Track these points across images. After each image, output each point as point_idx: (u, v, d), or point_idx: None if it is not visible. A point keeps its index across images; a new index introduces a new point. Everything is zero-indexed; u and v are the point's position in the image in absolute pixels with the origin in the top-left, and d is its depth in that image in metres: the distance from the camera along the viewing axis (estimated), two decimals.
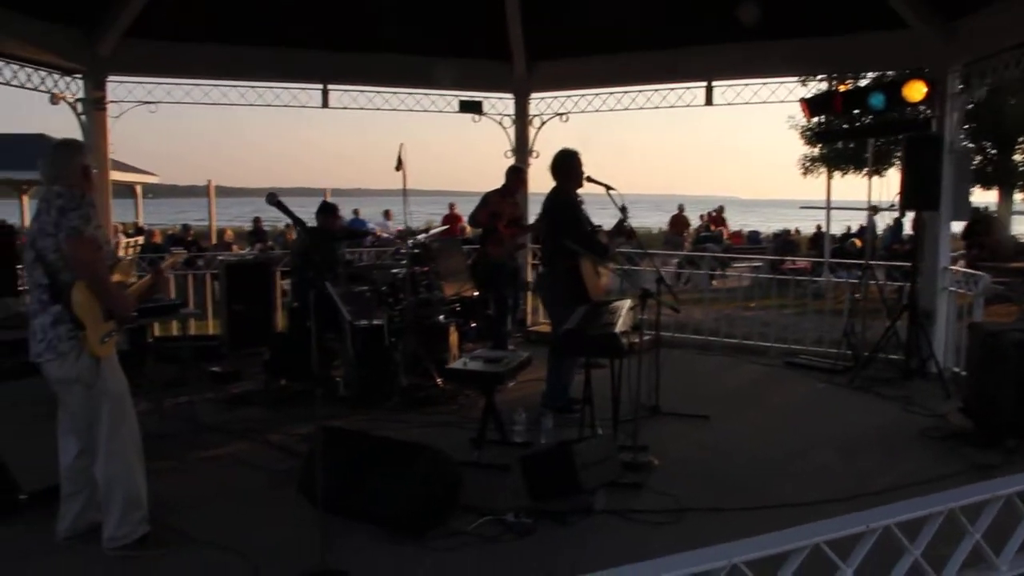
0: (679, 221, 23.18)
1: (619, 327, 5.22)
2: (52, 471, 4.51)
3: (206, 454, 5.88)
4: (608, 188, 6.64)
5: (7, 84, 8.25)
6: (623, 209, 6.85)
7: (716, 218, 23.55)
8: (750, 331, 9.90)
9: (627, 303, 6.08)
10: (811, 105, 8.54)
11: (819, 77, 14.87)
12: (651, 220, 42.90)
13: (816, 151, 21.17)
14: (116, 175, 21.89)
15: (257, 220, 19.97)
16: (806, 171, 22.20)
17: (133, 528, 4.21)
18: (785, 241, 20.84)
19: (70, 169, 4.18)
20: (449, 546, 4.28)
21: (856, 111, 9.00)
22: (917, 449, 6.09)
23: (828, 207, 17.11)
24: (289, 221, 4.17)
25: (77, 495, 4.35)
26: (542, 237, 7.10)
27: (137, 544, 4.21)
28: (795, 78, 9.40)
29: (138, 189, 24.16)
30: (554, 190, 6.83)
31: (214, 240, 19.96)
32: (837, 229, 21.81)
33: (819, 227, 20.87)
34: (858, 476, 5.40)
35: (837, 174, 19.53)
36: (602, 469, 4.82)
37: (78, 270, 3.99)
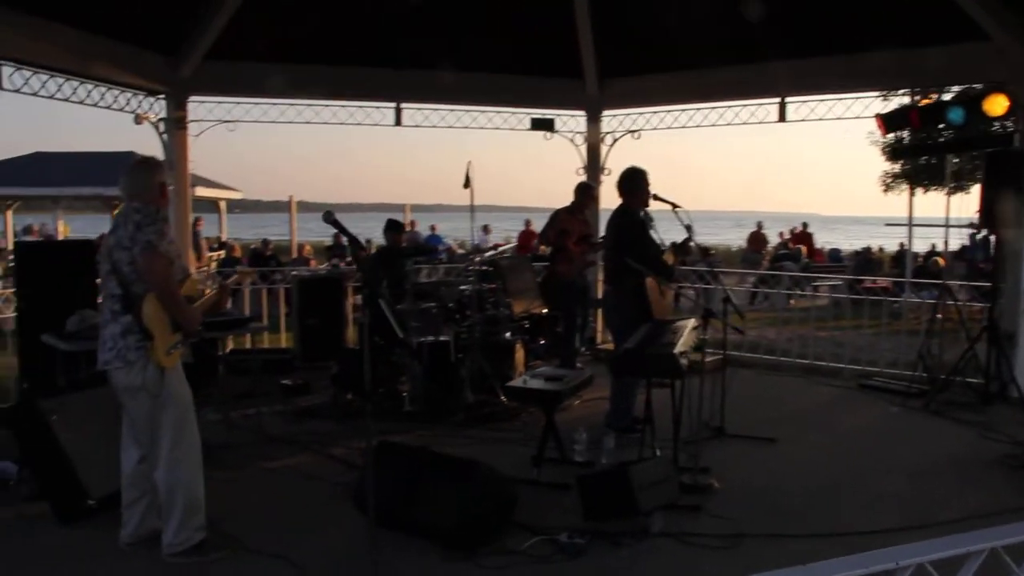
0: (757, 238, 22.80)
1: (679, 347, 5.15)
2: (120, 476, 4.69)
3: (268, 465, 6.00)
4: (674, 206, 6.58)
5: (95, 105, 8.59)
6: (688, 228, 6.79)
7: (800, 235, 22.88)
8: (823, 352, 9.67)
9: (690, 322, 6.00)
10: (887, 121, 8.32)
11: (900, 92, 14.49)
12: (731, 237, 42.39)
13: (897, 167, 20.61)
14: (201, 191, 22.64)
15: (337, 235, 20.26)
16: (887, 188, 21.60)
17: (191, 535, 4.34)
18: (866, 259, 20.34)
19: (148, 186, 4.36)
20: (500, 564, 4.27)
21: (938, 126, 8.68)
22: (993, 478, 5.85)
23: (910, 224, 16.61)
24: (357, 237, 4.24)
25: (139, 501, 4.49)
26: (606, 255, 7.07)
27: (194, 550, 4.34)
28: (870, 93, 9.17)
29: (222, 204, 24.82)
30: (619, 208, 6.81)
31: (294, 255, 20.37)
32: (922, 247, 21.19)
33: (902, 245, 20.31)
34: (927, 505, 5.23)
35: (919, 190, 18.96)
36: (659, 491, 4.78)
37: (150, 283, 4.15)
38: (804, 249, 20.91)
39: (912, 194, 17.68)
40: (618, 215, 6.80)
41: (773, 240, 23.62)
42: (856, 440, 6.82)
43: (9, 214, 24.29)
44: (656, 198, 6.69)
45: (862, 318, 10.07)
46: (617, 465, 5.03)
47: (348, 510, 4.83)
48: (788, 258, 19.73)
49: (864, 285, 13.33)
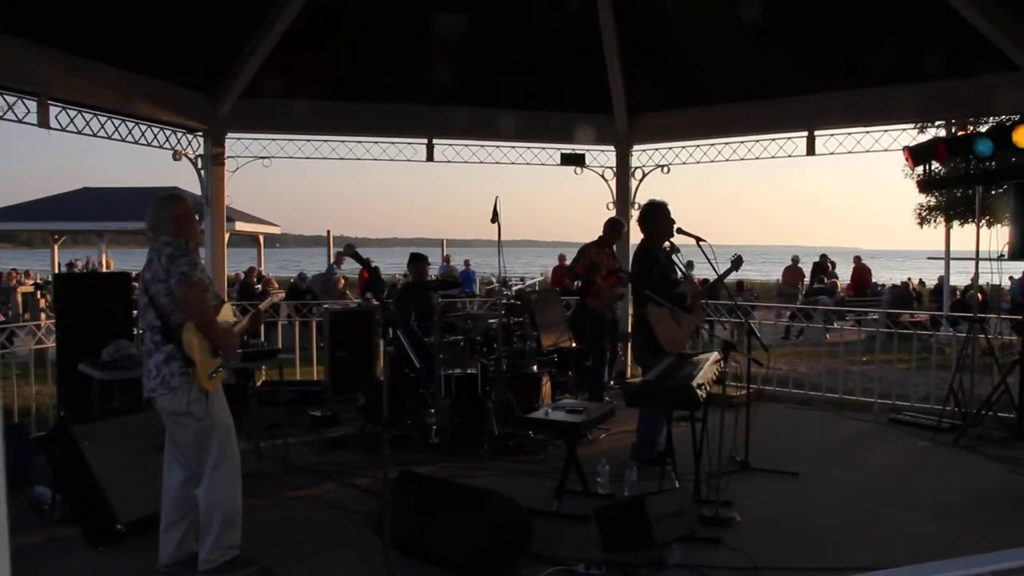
0: (793, 273, 22.66)
1: (698, 379, 5.18)
2: (149, 501, 4.84)
3: (294, 493, 6.11)
4: (698, 240, 6.62)
5: (135, 143, 8.86)
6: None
7: (858, 268, 22.28)
8: (854, 386, 9.59)
9: (712, 356, 6.03)
10: (914, 153, 8.29)
11: (937, 123, 14.36)
12: (765, 271, 42.21)
13: (932, 200, 20.35)
14: (240, 226, 23.04)
15: (374, 270, 20.47)
16: (922, 220, 21.31)
17: (224, 552, 4.48)
18: (902, 294, 20.11)
19: (169, 219, 4.52)
20: None
21: (968, 158, 8.61)
22: (1022, 515, 5.77)
23: (947, 258, 16.45)
24: (403, 271, 4.36)
25: (179, 523, 4.62)
26: (631, 288, 7.15)
27: (227, 566, 4.47)
28: (899, 126, 9.19)
29: (260, 239, 25.22)
30: (640, 242, 6.90)
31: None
32: (961, 281, 20.91)
33: (940, 279, 20.08)
34: (950, 542, 5.16)
35: (956, 223, 18.69)
36: (677, 523, 4.78)
37: (188, 311, 4.31)
38: (839, 283, 20.69)
39: (948, 227, 17.49)
40: (637, 249, 6.90)
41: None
42: (881, 475, 6.76)
43: (55, 248, 24.86)
44: (680, 231, 6.75)
45: (896, 352, 9.95)
46: (635, 497, 5.05)
47: (369, 537, 4.87)
48: (823, 292, 19.59)
49: (901, 319, 13.20)
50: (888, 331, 10.17)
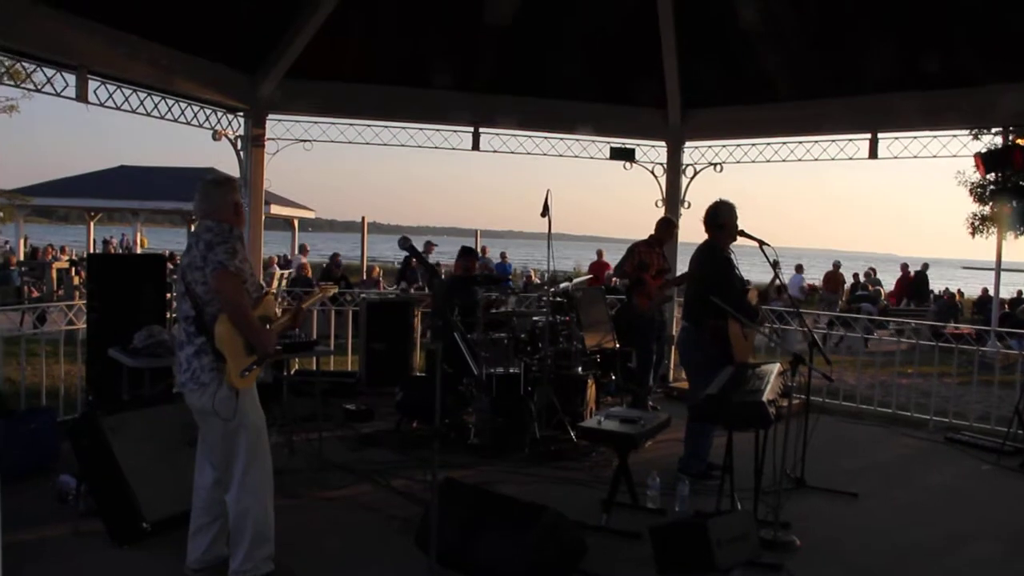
0: (834, 278, 22.13)
1: (766, 395, 4.84)
2: (177, 499, 4.62)
3: (328, 494, 5.84)
4: (761, 243, 6.25)
5: (175, 121, 8.62)
6: (775, 266, 6.47)
7: (908, 278, 21.78)
8: (906, 401, 9.18)
9: (776, 367, 5.67)
10: (986, 160, 7.89)
11: (994, 130, 13.83)
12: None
13: (987, 209, 19.70)
14: (275, 209, 22.93)
15: (408, 260, 20.31)
16: (974, 230, 20.66)
17: (257, 565, 4.20)
18: (948, 304, 19.59)
19: (220, 205, 4.25)
20: None
21: None
22: None
23: (998, 268, 15.87)
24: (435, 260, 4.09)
25: (209, 527, 4.36)
26: (688, 292, 6.76)
27: None
28: (967, 131, 8.74)
29: (295, 223, 25.08)
30: (705, 243, 6.50)
31: (364, 275, 20.41)
32: (1005, 294, 20.35)
33: (985, 290, 19.52)
34: None
35: (1010, 235, 18.04)
36: (739, 547, 4.47)
37: (222, 303, 4.02)
38: (883, 291, 20.22)
39: (1001, 238, 16.89)
40: (704, 251, 6.48)
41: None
42: (944, 499, 6.40)
43: (91, 225, 24.88)
44: (743, 234, 6.40)
45: (946, 365, 9.52)
46: (695, 517, 4.73)
47: (407, 547, 4.61)
48: (866, 299, 19.13)
49: (948, 331, 12.72)
50: (949, 346, 9.70)
